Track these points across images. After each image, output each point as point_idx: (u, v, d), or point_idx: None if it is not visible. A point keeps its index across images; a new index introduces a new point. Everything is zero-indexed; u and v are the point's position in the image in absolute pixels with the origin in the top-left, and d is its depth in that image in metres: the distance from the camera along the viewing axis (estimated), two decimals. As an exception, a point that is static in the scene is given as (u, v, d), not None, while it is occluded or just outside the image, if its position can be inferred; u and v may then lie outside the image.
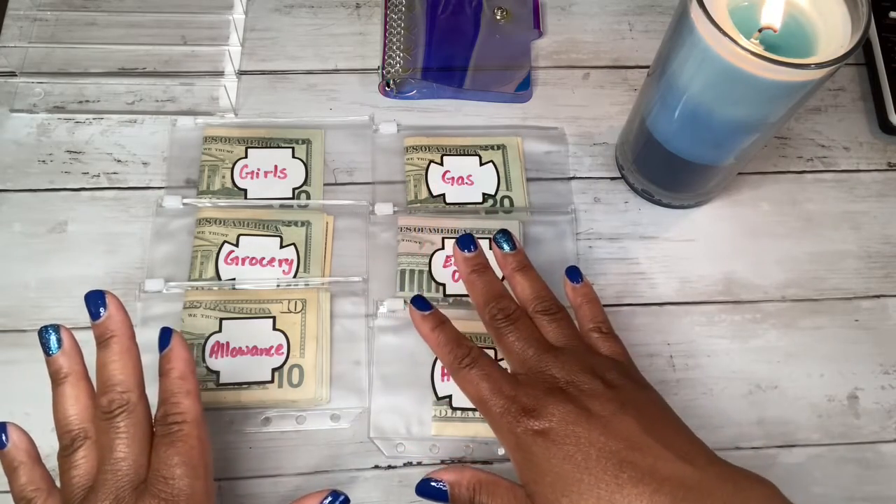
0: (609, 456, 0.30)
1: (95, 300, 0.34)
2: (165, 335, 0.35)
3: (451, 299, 0.44)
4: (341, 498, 0.34)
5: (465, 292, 0.44)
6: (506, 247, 0.39)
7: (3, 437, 0.34)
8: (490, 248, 0.40)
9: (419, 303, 0.38)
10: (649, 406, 0.33)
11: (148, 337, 0.42)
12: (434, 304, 0.43)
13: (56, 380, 0.34)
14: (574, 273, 0.40)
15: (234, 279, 0.43)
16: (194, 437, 0.32)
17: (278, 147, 0.47)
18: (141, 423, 0.33)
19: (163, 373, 0.34)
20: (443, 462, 0.41)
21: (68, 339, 0.34)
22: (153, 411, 0.34)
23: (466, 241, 0.39)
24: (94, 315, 0.34)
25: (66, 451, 0.33)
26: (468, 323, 0.41)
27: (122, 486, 0.31)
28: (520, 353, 0.35)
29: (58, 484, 0.33)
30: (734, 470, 0.31)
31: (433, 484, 0.35)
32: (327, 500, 0.34)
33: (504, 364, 0.37)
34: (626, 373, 0.35)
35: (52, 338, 0.34)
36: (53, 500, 0.33)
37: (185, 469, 0.31)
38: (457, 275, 0.44)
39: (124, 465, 0.31)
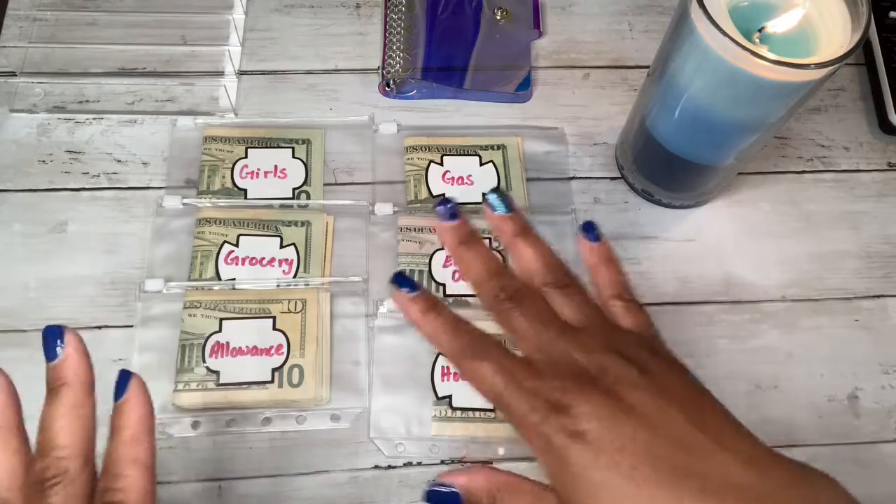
0: (661, 463, 0.25)
1: (52, 337, 0.28)
2: (123, 380, 0.28)
3: (451, 299, 0.44)
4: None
5: (467, 292, 0.44)
6: (501, 208, 0.32)
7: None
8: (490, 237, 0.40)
9: (403, 281, 0.31)
10: (687, 390, 0.28)
11: (147, 337, 0.42)
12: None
13: None
14: (590, 228, 0.33)
15: (234, 279, 0.43)
16: None
17: (278, 147, 0.47)
18: (78, 500, 0.26)
19: (112, 431, 0.27)
20: (443, 462, 0.41)
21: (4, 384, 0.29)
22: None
23: (448, 209, 0.32)
24: (50, 356, 0.28)
25: None
26: (476, 324, 0.41)
27: None
28: (533, 337, 0.29)
29: None
30: (795, 469, 0.26)
31: (442, 490, 0.29)
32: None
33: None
34: (655, 350, 0.30)
35: None
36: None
37: None
38: (457, 275, 0.44)
39: None
